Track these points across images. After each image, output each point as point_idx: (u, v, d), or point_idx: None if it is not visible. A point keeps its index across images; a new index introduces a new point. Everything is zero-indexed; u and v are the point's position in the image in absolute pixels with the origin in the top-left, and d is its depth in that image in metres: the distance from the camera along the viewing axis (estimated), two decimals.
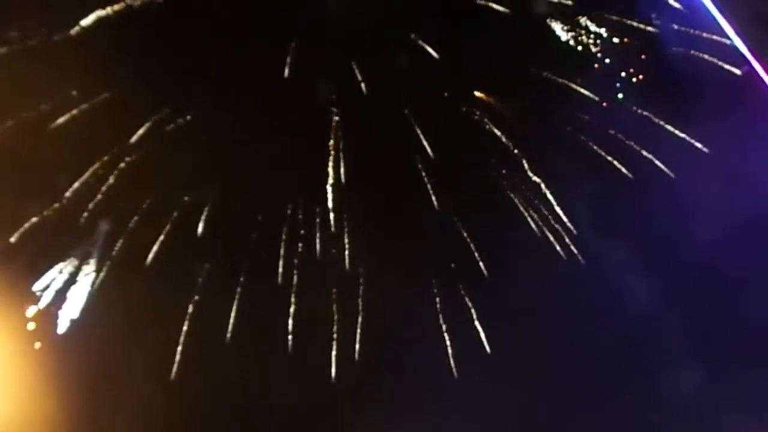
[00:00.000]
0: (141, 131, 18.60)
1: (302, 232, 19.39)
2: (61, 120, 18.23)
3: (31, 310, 18.71)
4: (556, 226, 19.59)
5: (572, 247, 19.59)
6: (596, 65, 19.71)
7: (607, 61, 19.71)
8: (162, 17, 18.12)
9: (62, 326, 18.88)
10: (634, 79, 19.86)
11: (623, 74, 19.90)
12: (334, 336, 19.54)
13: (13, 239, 18.32)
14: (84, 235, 18.92)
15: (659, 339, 19.63)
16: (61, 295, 18.82)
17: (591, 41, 19.42)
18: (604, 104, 19.73)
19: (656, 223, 19.42)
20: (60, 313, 18.87)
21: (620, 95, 19.89)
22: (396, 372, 19.55)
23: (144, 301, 18.83)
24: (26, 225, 18.32)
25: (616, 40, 19.66)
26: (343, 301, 19.54)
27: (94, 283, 18.94)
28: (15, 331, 18.70)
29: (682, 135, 19.36)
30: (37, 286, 18.66)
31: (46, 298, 18.74)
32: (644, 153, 19.43)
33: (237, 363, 19.03)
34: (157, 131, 18.73)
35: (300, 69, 18.82)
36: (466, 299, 19.87)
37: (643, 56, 19.80)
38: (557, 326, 19.50)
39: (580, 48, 19.62)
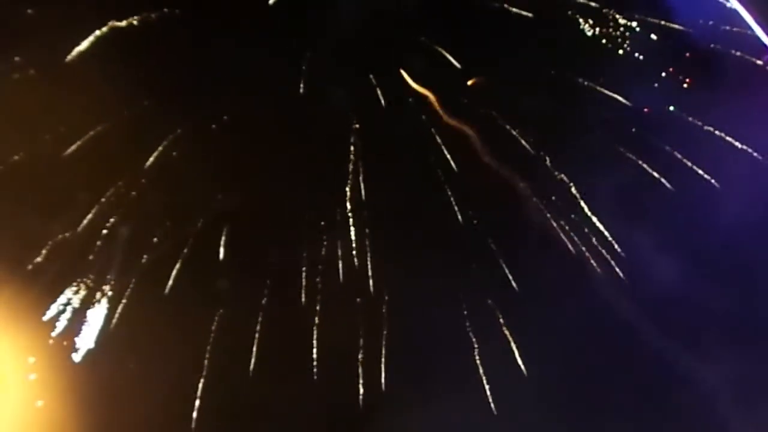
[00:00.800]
0: (160, 148, 18.38)
1: (324, 242, 18.88)
2: (79, 142, 18.05)
3: (47, 337, 18.22)
4: (586, 230, 18.94)
5: (603, 252, 18.89)
6: (626, 62, 19.25)
7: (641, 57, 19.25)
8: (175, 30, 18.08)
9: (78, 355, 18.38)
10: (685, 85, 19.33)
11: (663, 74, 19.40)
12: (360, 358, 18.88)
13: (32, 264, 17.99)
14: (101, 257, 18.53)
15: (699, 347, 18.71)
16: (76, 322, 18.33)
17: (619, 34, 19.03)
18: (646, 110, 19.24)
19: (693, 225, 18.64)
20: (76, 340, 18.35)
21: (671, 107, 19.28)
22: (425, 394, 18.71)
23: (164, 325, 18.30)
24: (46, 248, 18.02)
25: (654, 36, 19.21)
26: (367, 319, 18.91)
27: (110, 307, 18.46)
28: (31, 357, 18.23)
29: (730, 139, 18.81)
30: (52, 312, 18.18)
31: (62, 325, 18.25)
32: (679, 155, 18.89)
33: (261, 386, 18.49)
34: (175, 148, 18.51)
35: (315, 82, 18.59)
36: (498, 315, 19.07)
37: (687, 54, 19.27)
38: (592, 338, 18.67)
39: (619, 49, 19.21)
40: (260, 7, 18.37)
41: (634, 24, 19.11)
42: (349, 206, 18.91)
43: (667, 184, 18.79)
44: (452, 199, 19.00)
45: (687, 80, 19.25)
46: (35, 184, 17.87)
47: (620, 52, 19.26)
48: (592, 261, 18.92)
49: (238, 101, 18.46)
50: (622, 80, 18.98)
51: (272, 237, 18.84)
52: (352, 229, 18.93)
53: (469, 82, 18.70)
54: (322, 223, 18.97)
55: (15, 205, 17.76)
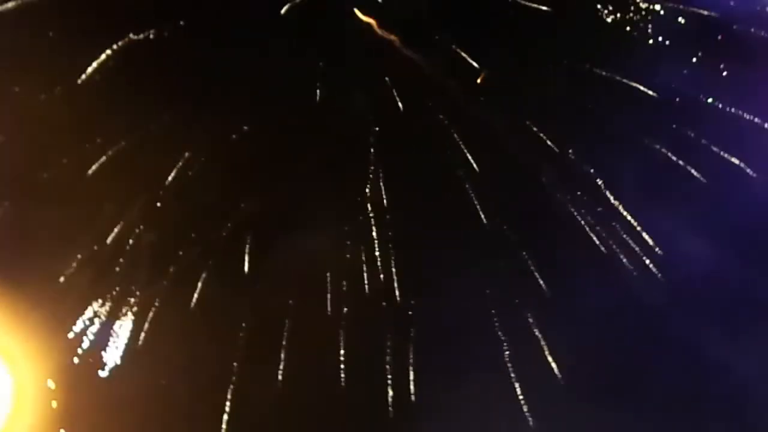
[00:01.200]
0: (182, 159, 18.48)
1: (348, 247, 18.68)
2: (104, 158, 18.26)
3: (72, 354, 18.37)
4: (614, 223, 18.35)
5: (633, 245, 18.25)
6: (650, 47, 18.62)
7: (667, 42, 18.60)
8: (192, 42, 18.17)
9: (105, 370, 18.46)
10: (725, 73, 18.56)
11: (693, 59, 18.74)
12: (388, 363, 18.60)
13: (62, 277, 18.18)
14: (127, 270, 18.65)
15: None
16: (102, 337, 18.42)
17: (640, 18, 18.44)
18: (677, 99, 18.61)
19: (726, 214, 17.84)
20: (103, 354, 18.43)
21: (710, 99, 18.58)
22: (455, 398, 18.27)
23: (191, 337, 18.32)
24: (74, 262, 18.19)
25: (681, 20, 18.57)
26: (394, 323, 18.65)
27: (137, 321, 18.52)
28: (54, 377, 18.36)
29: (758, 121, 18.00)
30: (78, 327, 18.31)
31: (89, 339, 18.36)
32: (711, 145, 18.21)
33: (290, 395, 18.41)
34: (197, 159, 18.59)
35: (332, 87, 18.49)
36: (530, 322, 18.57)
37: (719, 36, 18.42)
38: (625, 335, 18.15)
39: (644, 35, 18.60)
40: (274, 15, 18.46)
41: (657, 7, 18.55)
42: (370, 209, 18.74)
43: (696, 173, 18.17)
44: (474, 198, 18.63)
45: (720, 65, 18.51)
46: (63, 199, 18.16)
47: (650, 41, 18.75)
48: (622, 255, 18.34)
49: (257, 110, 18.50)
50: (647, 67, 18.39)
51: (296, 244, 18.69)
52: (374, 232, 18.73)
53: (479, 80, 18.40)
54: (345, 228, 18.81)
55: (43, 221, 18.09)
